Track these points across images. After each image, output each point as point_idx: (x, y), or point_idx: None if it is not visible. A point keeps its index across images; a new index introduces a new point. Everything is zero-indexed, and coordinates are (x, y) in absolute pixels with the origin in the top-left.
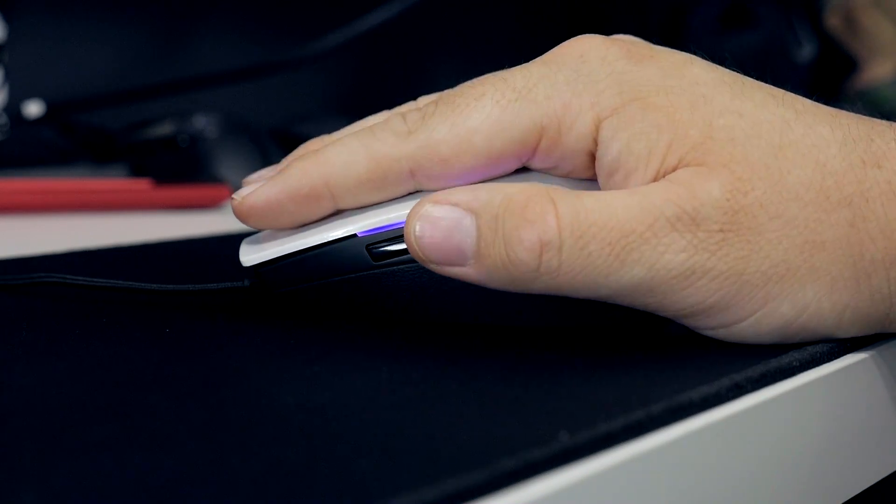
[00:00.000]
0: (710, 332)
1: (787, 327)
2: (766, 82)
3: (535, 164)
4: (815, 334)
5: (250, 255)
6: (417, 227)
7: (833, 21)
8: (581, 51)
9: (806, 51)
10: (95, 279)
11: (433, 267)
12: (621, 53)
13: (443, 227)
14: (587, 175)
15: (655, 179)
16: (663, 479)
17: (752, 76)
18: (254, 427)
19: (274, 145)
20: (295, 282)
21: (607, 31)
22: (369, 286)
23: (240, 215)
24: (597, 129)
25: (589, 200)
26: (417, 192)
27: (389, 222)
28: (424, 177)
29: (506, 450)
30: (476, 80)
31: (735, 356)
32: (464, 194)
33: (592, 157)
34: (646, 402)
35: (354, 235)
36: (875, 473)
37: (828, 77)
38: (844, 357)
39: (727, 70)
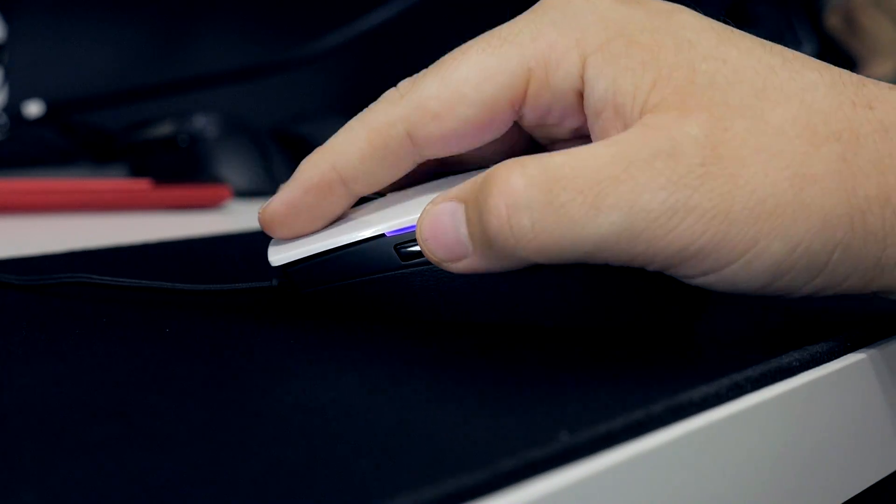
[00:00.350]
0: (701, 280)
1: (779, 266)
2: None
3: (528, 111)
4: (804, 276)
5: (279, 255)
6: (424, 230)
7: (833, 21)
8: None
9: (806, 51)
10: (120, 279)
11: (447, 266)
12: None
13: (442, 223)
14: (579, 122)
15: (641, 115)
16: (663, 479)
17: None
18: (254, 427)
19: (274, 145)
20: (323, 281)
21: None
22: (397, 286)
23: (265, 225)
24: (583, 65)
25: (559, 156)
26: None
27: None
28: (422, 138)
29: (506, 450)
30: (467, 42)
31: (735, 356)
32: (456, 188)
33: (581, 96)
34: (646, 402)
35: (383, 235)
36: (875, 473)
37: None
38: (844, 357)
39: (717, 21)
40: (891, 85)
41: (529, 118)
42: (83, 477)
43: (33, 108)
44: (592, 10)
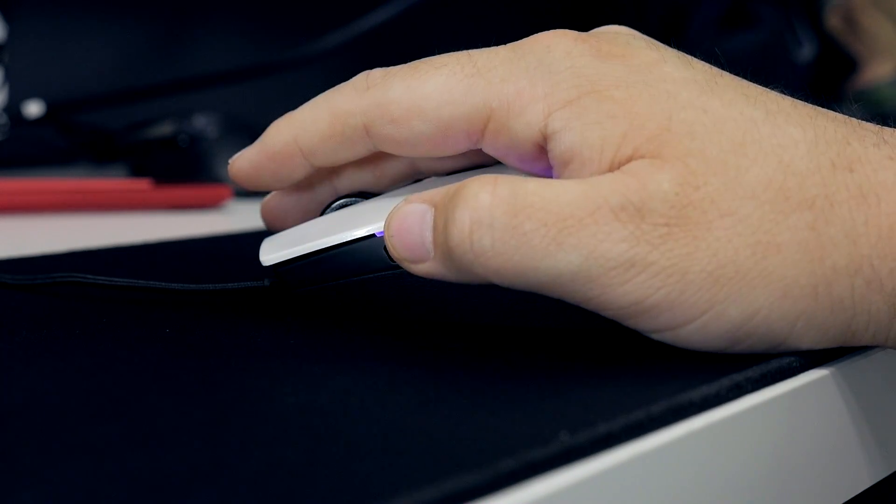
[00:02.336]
0: (657, 336)
1: (735, 332)
2: (766, 82)
3: (486, 147)
4: (766, 342)
5: (270, 255)
6: (392, 226)
7: (833, 21)
8: (549, 43)
9: (806, 51)
10: (115, 279)
11: (406, 265)
12: (588, 50)
13: (409, 223)
14: (537, 169)
15: (610, 170)
16: (663, 479)
17: (751, 76)
18: (253, 427)
19: None
20: (314, 281)
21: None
22: (388, 286)
23: (233, 177)
24: (546, 120)
25: (532, 184)
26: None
27: None
28: (377, 135)
29: (506, 450)
30: (447, 54)
31: (735, 356)
32: (433, 191)
33: (540, 149)
34: (646, 402)
35: (373, 235)
36: (875, 473)
37: (828, 77)
38: (845, 358)
39: (706, 68)
40: (878, 137)
41: (489, 151)
42: (83, 477)
43: (33, 108)
44: (569, 65)
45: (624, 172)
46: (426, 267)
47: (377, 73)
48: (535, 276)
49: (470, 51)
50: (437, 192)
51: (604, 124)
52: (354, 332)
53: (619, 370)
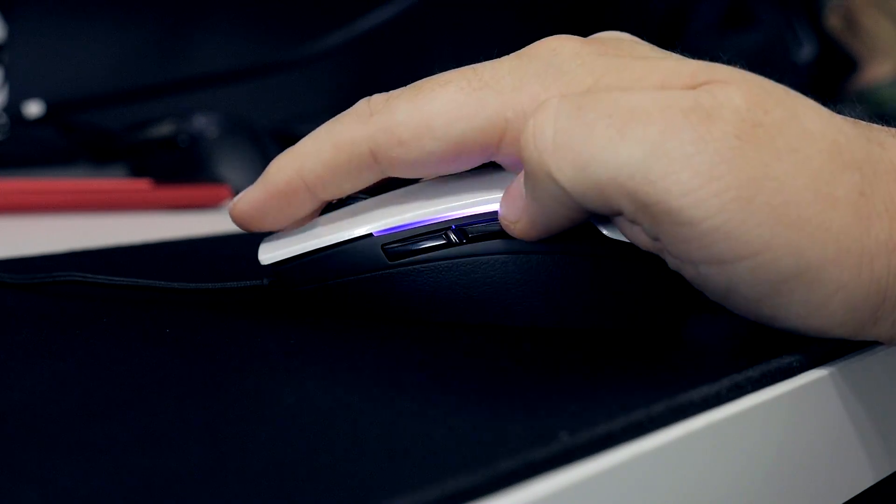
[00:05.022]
0: (701, 269)
1: (781, 284)
2: None
3: (501, 158)
4: (797, 308)
5: (268, 254)
6: (504, 194)
7: (833, 21)
8: (554, 46)
9: (806, 51)
10: (115, 278)
11: (509, 228)
12: (595, 50)
13: (515, 183)
14: None
15: None
16: (663, 479)
17: None
18: (254, 427)
19: (274, 145)
20: (312, 281)
21: (607, 31)
22: (385, 285)
23: (235, 222)
24: None
25: (600, 90)
26: (438, 194)
27: (405, 222)
28: (386, 160)
29: (506, 450)
30: (449, 71)
31: (735, 356)
32: None
33: None
34: (646, 402)
35: (370, 235)
36: (876, 473)
37: (828, 77)
38: (845, 358)
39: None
40: (890, 132)
41: (505, 163)
42: (83, 477)
43: (33, 108)
44: (580, 63)
45: (689, 90)
46: (521, 225)
47: (378, 98)
48: (595, 170)
49: (473, 65)
50: None
51: (635, 85)
52: (354, 332)
53: (619, 370)
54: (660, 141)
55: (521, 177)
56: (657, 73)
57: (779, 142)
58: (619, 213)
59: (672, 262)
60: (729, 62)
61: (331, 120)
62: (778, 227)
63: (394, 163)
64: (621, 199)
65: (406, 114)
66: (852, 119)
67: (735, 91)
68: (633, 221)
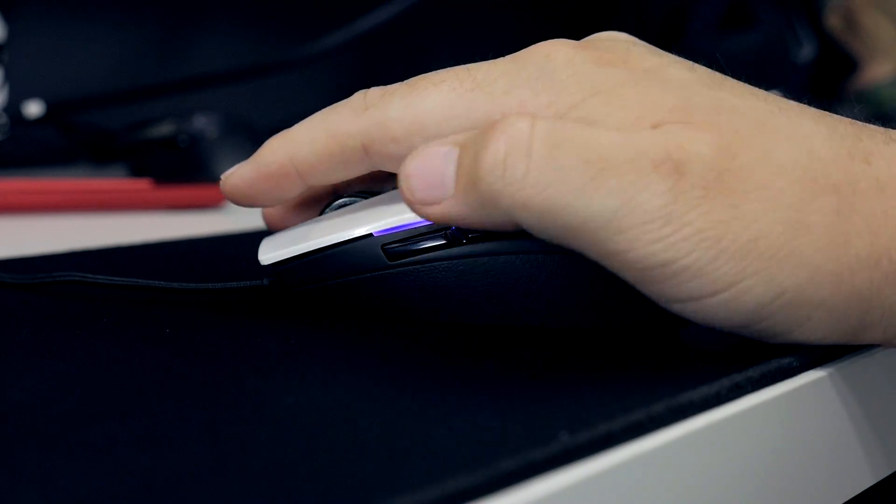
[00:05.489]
0: (678, 307)
1: (758, 311)
2: (766, 82)
3: None
4: (780, 328)
5: (268, 254)
6: (410, 166)
7: (833, 21)
8: (548, 52)
9: (806, 51)
10: (115, 278)
11: (419, 209)
12: (588, 58)
13: (431, 160)
14: None
15: None
16: (663, 479)
17: (751, 76)
18: (254, 427)
19: None
20: (312, 281)
21: (607, 31)
22: (385, 286)
23: (225, 195)
24: None
25: (572, 123)
26: None
27: (405, 222)
28: (377, 154)
29: (506, 450)
30: (444, 69)
31: (735, 356)
32: (456, 135)
33: None
34: (646, 402)
35: (370, 235)
36: (875, 473)
37: (828, 77)
38: (844, 358)
39: (709, 72)
40: (886, 136)
41: None
42: (83, 477)
43: (33, 108)
44: (571, 72)
45: (661, 131)
46: (441, 208)
47: (375, 91)
48: (564, 217)
49: (468, 65)
50: (460, 135)
51: (615, 115)
52: (354, 332)
53: (619, 370)
54: (631, 193)
55: (440, 157)
56: (638, 105)
57: (747, 183)
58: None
59: (651, 294)
60: (724, 67)
61: (326, 109)
62: (746, 260)
63: (385, 158)
64: (586, 244)
65: (399, 110)
66: (845, 125)
67: (703, 140)
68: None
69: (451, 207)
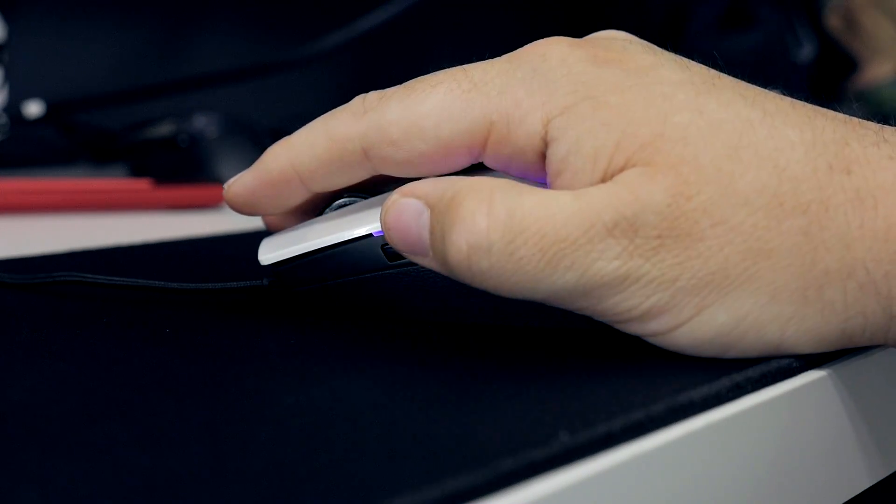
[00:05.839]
0: (649, 339)
1: (725, 337)
2: (766, 82)
3: (487, 160)
4: (758, 347)
5: (268, 254)
6: (388, 220)
7: (833, 21)
8: (544, 51)
9: (806, 51)
10: (115, 278)
11: (409, 256)
12: (583, 56)
13: (405, 219)
14: (541, 178)
15: (603, 180)
16: (663, 479)
17: (751, 76)
18: (254, 427)
19: None
20: (311, 281)
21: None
22: (384, 286)
23: (228, 204)
24: (545, 128)
25: (529, 200)
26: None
27: None
28: (377, 158)
29: (506, 450)
30: (441, 71)
31: (735, 356)
32: (426, 186)
33: (543, 157)
34: (646, 402)
35: (370, 235)
36: (875, 474)
37: (828, 77)
38: (844, 359)
39: (703, 70)
40: (878, 136)
41: (491, 164)
42: (83, 477)
43: (33, 108)
44: (565, 72)
45: (617, 184)
46: (425, 261)
47: (373, 95)
48: (534, 294)
49: (465, 66)
50: (431, 188)
51: (597, 133)
52: (354, 332)
53: (619, 370)
54: (587, 263)
55: (418, 214)
56: (612, 134)
57: (703, 223)
58: None
59: (623, 330)
60: (722, 66)
61: (326, 114)
62: (704, 292)
63: (385, 161)
64: (563, 305)
65: (398, 113)
66: (833, 128)
67: (658, 186)
68: None
69: (432, 265)
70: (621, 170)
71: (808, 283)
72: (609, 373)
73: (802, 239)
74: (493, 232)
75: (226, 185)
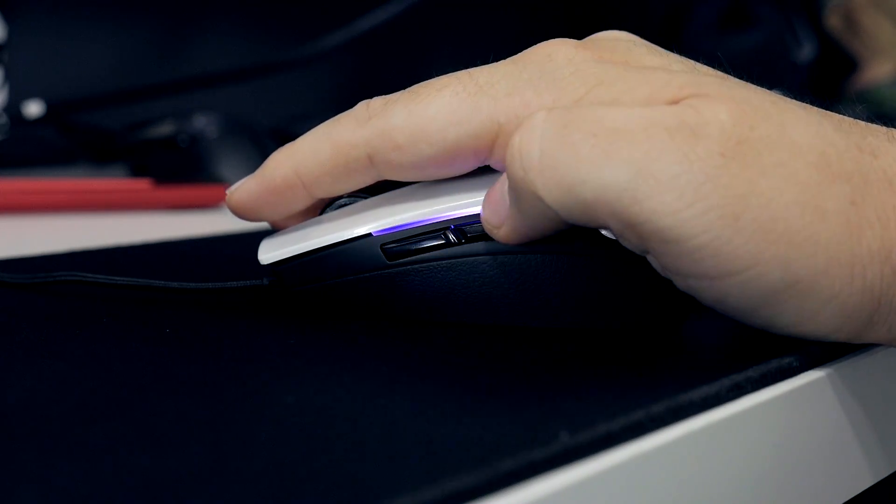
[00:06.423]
0: (692, 283)
1: (771, 297)
2: (766, 82)
3: (495, 162)
4: (789, 318)
5: (268, 254)
6: (486, 197)
7: (833, 21)
8: (549, 52)
9: (806, 51)
10: (115, 277)
11: (494, 233)
12: (590, 57)
13: (496, 186)
14: None
15: None
16: (663, 479)
17: (751, 76)
18: (254, 427)
19: (274, 145)
20: (311, 280)
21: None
22: (384, 285)
23: (231, 210)
24: None
25: (586, 106)
26: (437, 194)
27: (404, 222)
28: (382, 163)
29: (506, 450)
30: (446, 75)
31: (735, 356)
32: None
33: None
34: (646, 403)
35: (370, 235)
36: (875, 473)
37: (828, 77)
38: (844, 358)
39: (711, 71)
40: (889, 135)
41: (498, 166)
42: (83, 477)
43: (33, 108)
44: (573, 70)
45: (678, 104)
46: (505, 230)
47: (377, 101)
48: (580, 191)
49: (469, 70)
50: None
51: (624, 98)
52: (354, 332)
53: (619, 370)
54: (644, 162)
55: (503, 181)
56: (646, 86)
57: (765, 157)
58: (607, 228)
59: (662, 272)
60: (726, 66)
61: (330, 120)
62: (765, 242)
63: (390, 166)
64: (608, 218)
65: (403, 118)
66: (849, 121)
67: (720, 107)
68: (620, 236)
69: (510, 223)
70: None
71: (856, 260)
72: (609, 373)
73: (851, 208)
74: (548, 121)
75: (228, 192)
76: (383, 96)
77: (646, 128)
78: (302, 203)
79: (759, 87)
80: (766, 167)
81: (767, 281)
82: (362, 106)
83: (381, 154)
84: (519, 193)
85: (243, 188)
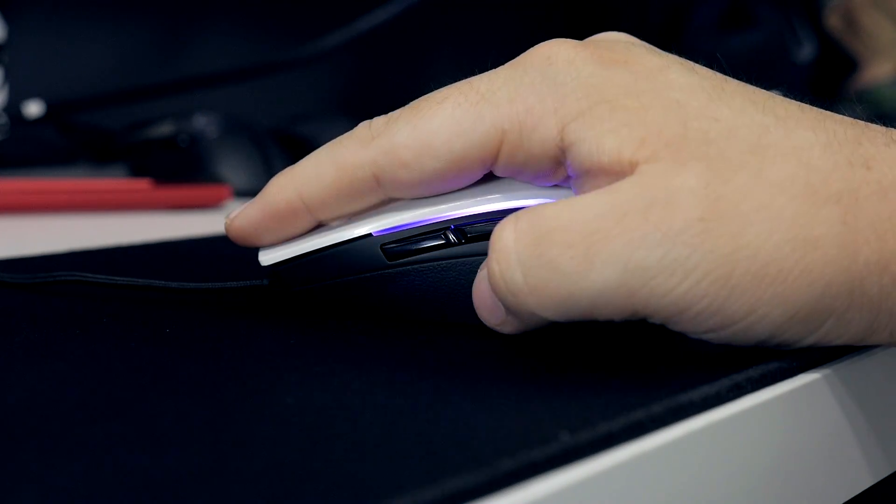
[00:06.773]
0: (702, 337)
1: (776, 330)
2: (766, 82)
3: (500, 169)
4: (796, 337)
5: (268, 254)
6: (475, 297)
7: (833, 21)
8: (549, 54)
9: (806, 51)
10: (115, 277)
11: (499, 329)
12: (590, 58)
13: (481, 289)
14: (554, 181)
15: (632, 170)
16: (663, 479)
17: (751, 76)
18: (254, 427)
19: (274, 145)
20: (311, 280)
21: (607, 31)
22: (384, 285)
23: (231, 237)
24: (561, 134)
25: (551, 207)
26: (434, 194)
27: (404, 222)
28: (390, 182)
29: (506, 450)
30: (445, 87)
31: (735, 356)
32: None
33: (557, 163)
34: (646, 402)
35: (370, 235)
36: (875, 473)
37: (828, 77)
38: (844, 359)
39: (710, 74)
40: (887, 137)
41: (503, 172)
42: (83, 477)
43: (33, 108)
44: (575, 76)
45: (644, 175)
46: (507, 326)
47: (379, 120)
48: (578, 300)
49: (469, 79)
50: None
51: (619, 132)
52: (354, 332)
53: (619, 370)
54: (628, 255)
55: (482, 278)
56: (635, 130)
57: (744, 206)
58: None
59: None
60: (726, 66)
61: (331, 142)
62: (760, 288)
63: (397, 185)
64: (611, 314)
65: (406, 135)
66: (844, 130)
67: (689, 173)
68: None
69: (512, 325)
70: (647, 161)
71: (854, 277)
72: (609, 373)
73: (843, 228)
74: (519, 242)
75: (228, 219)
76: (384, 115)
77: (619, 220)
78: (304, 227)
79: (751, 106)
80: (749, 215)
81: (771, 319)
82: (364, 126)
83: (387, 173)
84: (515, 311)
85: (244, 214)
